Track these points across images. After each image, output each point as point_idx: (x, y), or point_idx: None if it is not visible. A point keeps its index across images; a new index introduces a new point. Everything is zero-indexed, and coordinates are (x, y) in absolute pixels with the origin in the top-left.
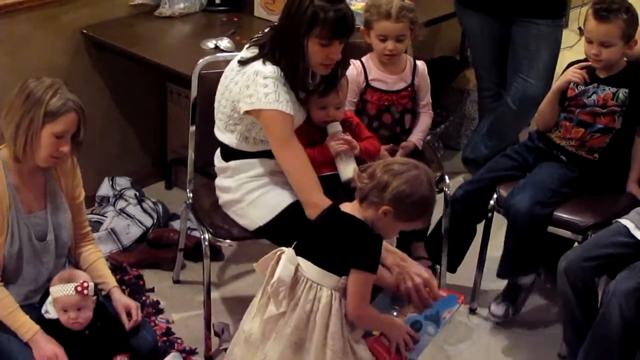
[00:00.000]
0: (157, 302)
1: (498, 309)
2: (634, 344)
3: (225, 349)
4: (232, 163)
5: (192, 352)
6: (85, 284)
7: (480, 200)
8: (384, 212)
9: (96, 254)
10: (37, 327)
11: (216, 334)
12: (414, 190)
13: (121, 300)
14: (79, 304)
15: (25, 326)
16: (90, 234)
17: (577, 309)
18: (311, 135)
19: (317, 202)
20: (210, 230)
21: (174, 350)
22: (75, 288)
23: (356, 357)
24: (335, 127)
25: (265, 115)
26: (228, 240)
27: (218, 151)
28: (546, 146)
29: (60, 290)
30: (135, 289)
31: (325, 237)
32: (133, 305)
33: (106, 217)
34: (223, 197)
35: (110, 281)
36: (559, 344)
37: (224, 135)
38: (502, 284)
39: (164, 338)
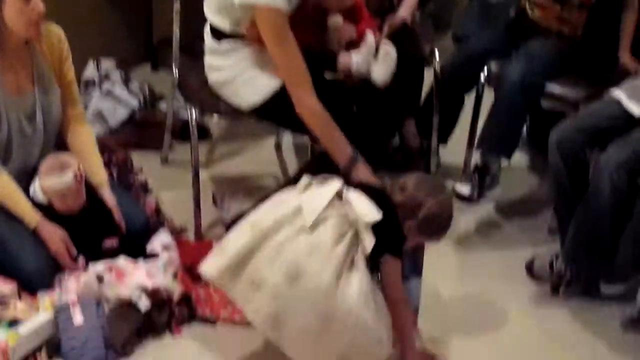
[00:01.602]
0: (146, 182)
1: (463, 188)
2: (623, 216)
3: (224, 219)
4: (225, 43)
5: (182, 230)
6: (81, 169)
7: (468, 70)
8: (409, 226)
9: (88, 141)
10: (38, 213)
11: (214, 202)
12: (445, 213)
13: (112, 199)
14: (78, 190)
15: (29, 213)
16: (83, 116)
17: (567, 182)
18: (308, 27)
19: (309, 105)
20: (198, 106)
21: (164, 229)
22: (75, 176)
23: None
24: (337, 20)
25: (259, 11)
26: (216, 116)
27: (208, 29)
28: (530, 26)
29: (59, 181)
30: (124, 170)
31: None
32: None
33: (92, 99)
34: (214, 76)
35: (101, 175)
36: (549, 220)
37: (216, 17)
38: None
39: (154, 217)
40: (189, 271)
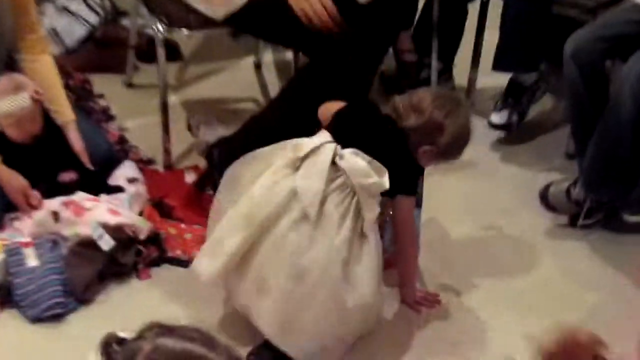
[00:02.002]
0: (108, 108)
1: (499, 117)
2: None
3: (200, 146)
4: None
5: (150, 161)
6: (39, 92)
7: None
8: (425, 150)
9: (51, 73)
10: None
11: (190, 129)
12: (467, 130)
13: (79, 141)
14: (34, 115)
15: None
16: (44, 43)
17: (585, 97)
18: None
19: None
20: (164, 19)
21: (129, 160)
22: (31, 97)
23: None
24: None
25: None
26: (186, 32)
27: None
28: None
29: (13, 102)
30: (83, 95)
31: (377, 152)
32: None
33: (45, 16)
34: None
35: (66, 114)
36: (566, 143)
37: None
38: (500, 81)
39: (118, 147)
40: (158, 206)
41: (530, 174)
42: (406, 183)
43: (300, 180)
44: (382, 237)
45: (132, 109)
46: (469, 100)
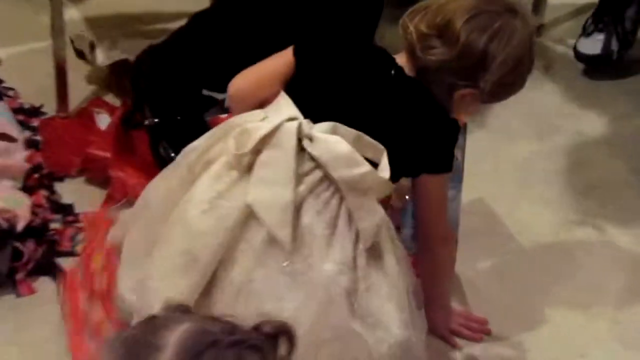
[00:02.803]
0: None
1: (591, 45)
2: None
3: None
4: None
5: (36, 111)
6: None
7: None
8: (463, 95)
9: None
10: None
11: (80, 55)
12: (527, 56)
13: None
14: None
15: None
16: None
17: None
18: None
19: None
20: None
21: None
22: None
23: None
24: None
25: None
26: None
27: None
28: None
29: None
30: None
31: (377, 115)
32: None
33: None
34: None
35: None
36: None
37: None
38: None
39: None
40: (49, 178)
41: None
42: (434, 154)
43: (256, 190)
44: (398, 228)
45: (8, 30)
46: (537, 17)
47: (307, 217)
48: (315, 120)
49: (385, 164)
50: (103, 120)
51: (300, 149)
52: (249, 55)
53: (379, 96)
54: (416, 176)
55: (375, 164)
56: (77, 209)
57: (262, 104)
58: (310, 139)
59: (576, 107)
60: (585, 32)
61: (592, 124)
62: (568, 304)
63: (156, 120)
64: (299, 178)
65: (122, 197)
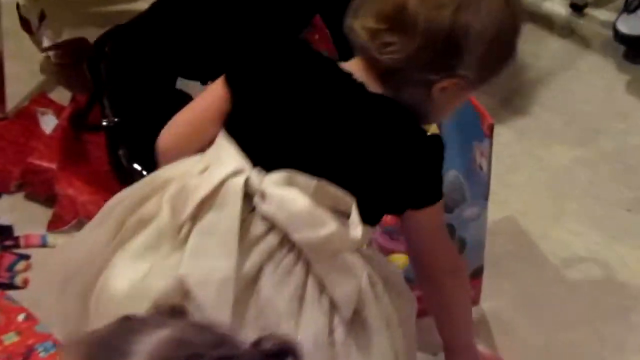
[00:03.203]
0: None
1: (632, 23)
2: None
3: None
4: None
5: None
6: None
7: None
8: (443, 88)
9: None
10: None
11: (24, 25)
12: (508, 17)
13: None
14: None
15: None
16: None
17: None
18: None
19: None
20: None
21: None
22: None
23: None
24: None
25: None
26: None
27: None
28: None
29: None
30: None
31: (335, 151)
32: None
33: None
34: None
35: None
36: None
37: None
38: None
39: None
40: None
41: None
42: (418, 185)
43: (190, 263)
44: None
45: None
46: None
47: (267, 289)
48: (266, 163)
49: (355, 218)
50: (48, 122)
51: (252, 208)
52: (231, 35)
53: (339, 124)
54: (401, 213)
55: (346, 213)
56: (17, 231)
57: (202, 148)
58: (262, 195)
59: (623, 104)
60: (628, 8)
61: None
62: (619, 345)
63: (116, 119)
64: (252, 243)
65: (70, 217)
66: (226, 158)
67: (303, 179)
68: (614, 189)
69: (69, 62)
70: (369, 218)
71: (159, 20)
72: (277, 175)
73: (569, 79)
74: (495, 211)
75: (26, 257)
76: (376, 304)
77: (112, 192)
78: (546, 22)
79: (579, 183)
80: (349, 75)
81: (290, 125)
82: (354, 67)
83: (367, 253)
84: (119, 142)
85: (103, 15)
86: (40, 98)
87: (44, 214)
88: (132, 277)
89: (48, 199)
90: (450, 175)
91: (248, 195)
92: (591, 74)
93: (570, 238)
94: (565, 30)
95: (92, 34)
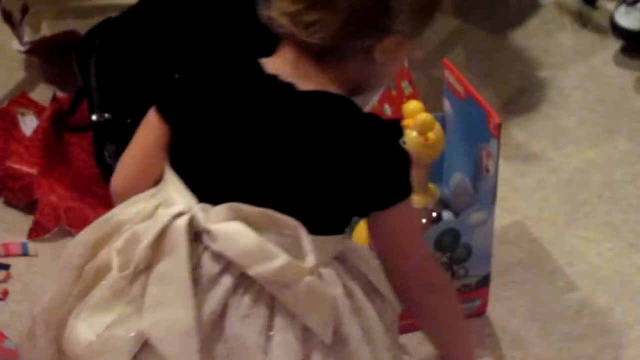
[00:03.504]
0: None
1: (632, 17)
2: None
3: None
4: None
5: None
6: None
7: None
8: (384, 49)
9: None
10: None
11: (5, 17)
12: None
13: None
14: None
15: None
16: None
17: None
18: None
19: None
20: None
21: None
22: None
23: None
24: None
25: None
26: None
27: None
28: None
29: None
30: None
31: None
32: None
33: None
34: None
35: None
36: None
37: None
38: None
39: None
40: None
41: None
42: (378, 180)
43: (150, 315)
44: None
45: None
46: None
47: (233, 326)
48: (213, 196)
49: (306, 245)
50: (29, 124)
51: (205, 246)
52: (233, 26)
53: (275, 135)
54: (366, 216)
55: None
56: None
57: (156, 181)
58: (208, 233)
59: (639, 102)
60: (625, 4)
61: None
62: (635, 358)
63: (107, 115)
64: (211, 284)
65: (52, 225)
66: (173, 197)
67: (248, 209)
68: (630, 193)
69: (54, 56)
70: (334, 226)
71: (152, 13)
72: (220, 210)
73: (581, 76)
74: (503, 217)
75: (6, 267)
76: (355, 317)
77: (96, 198)
78: (556, 15)
79: (592, 186)
80: (274, 78)
81: (228, 149)
82: (280, 62)
83: (343, 255)
84: (107, 139)
85: (85, 8)
86: (20, 98)
87: (24, 221)
88: (96, 330)
89: (29, 204)
90: (456, 178)
91: (199, 234)
92: (605, 70)
93: (583, 245)
94: (577, 24)
95: (73, 27)
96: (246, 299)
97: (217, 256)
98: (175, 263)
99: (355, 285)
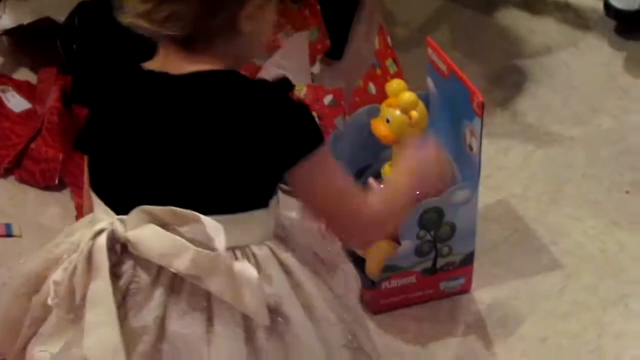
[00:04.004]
0: None
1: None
2: None
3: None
4: None
5: None
6: None
7: None
8: (248, 16)
9: None
10: None
11: None
12: None
13: None
14: None
15: None
16: None
17: None
18: None
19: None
20: None
21: None
22: None
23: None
24: None
25: None
26: None
27: None
28: None
29: None
30: None
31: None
32: None
33: None
34: None
35: None
36: None
37: None
38: None
39: None
40: None
41: None
42: (272, 139)
43: (87, 339)
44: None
45: None
46: None
47: (172, 324)
48: (128, 205)
49: (211, 231)
50: (12, 100)
51: (134, 257)
52: None
53: (164, 128)
54: (285, 179)
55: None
56: None
57: None
58: (125, 241)
59: (623, 81)
60: None
61: None
62: (618, 333)
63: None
64: (149, 290)
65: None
66: (98, 217)
67: (154, 210)
68: (614, 170)
69: (30, 43)
70: (256, 200)
71: None
72: (133, 216)
73: (566, 55)
74: (488, 195)
75: None
76: (295, 295)
77: None
78: None
79: (577, 165)
80: (150, 73)
81: (129, 156)
82: (156, 60)
83: (283, 230)
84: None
85: None
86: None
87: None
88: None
89: (47, 188)
90: None
91: (125, 247)
92: (590, 50)
93: (568, 222)
94: (563, 3)
95: (51, 13)
96: (183, 297)
97: (147, 264)
98: (100, 283)
99: (295, 261)
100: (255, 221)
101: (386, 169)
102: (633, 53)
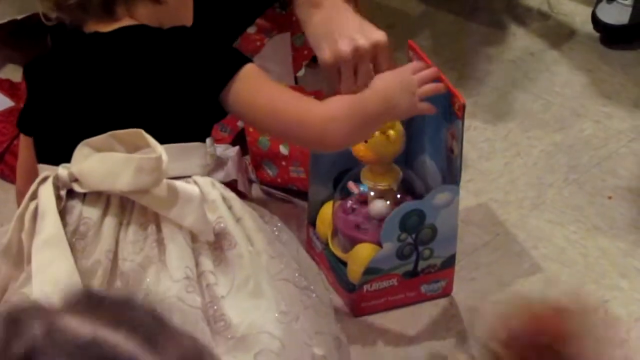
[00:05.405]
0: None
1: (614, 12)
2: None
3: None
4: None
5: None
6: None
7: None
8: None
9: None
10: None
11: None
12: None
13: None
14: None
15: None
16: None
17: None
18: None
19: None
20: None
21: None
22: None
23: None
24: None
25: None
26: None
27: None
28: None
29: None
30: None
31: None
32: None
33: None
34: None
35: None
36: None
37: None
38: None
39: None
40: None
41: None
42: (196, 69)
43: (35, 281)
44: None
45: None
46: None
47: (126, 253)
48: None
49: (151, 141)
50: None
51: (81, 196)
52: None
53: (103, 76)
54: (213, 100)
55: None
56: None
57: None
58: (75, 179)
59: (605, 87)
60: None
61: (624, 108)
62: (599, 339)
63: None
64: (98, 227)
65: None
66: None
67: (93, 140)
68: (596, 176)
69: (22, 38)
70: (194, 133)
71: None
72: (76, 155)
73: (548, 60)
74: (469, 199)
75: None
76: (237, 225)
77: None
78: None
79: (558, 170)
80: (81, 35)
81: (73, 113)
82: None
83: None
84: None
85: None
86: None
87: None
88: None
89: None
90: (421, 159)
91: (71, 192)
92: (572, 54)
93: (549, 228)
94: (545, 6)
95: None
96: (132, 226)
97: (95, 199)
98: (50, 224)
99: (234, 196)
100: (193, 151)
101: (366, 173)
102: (616, 58)
